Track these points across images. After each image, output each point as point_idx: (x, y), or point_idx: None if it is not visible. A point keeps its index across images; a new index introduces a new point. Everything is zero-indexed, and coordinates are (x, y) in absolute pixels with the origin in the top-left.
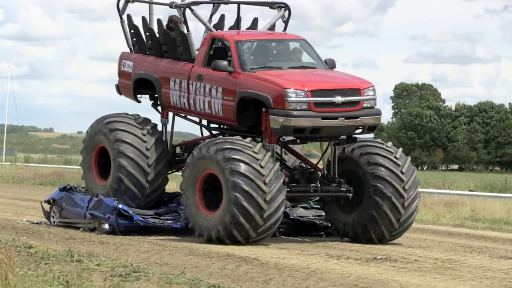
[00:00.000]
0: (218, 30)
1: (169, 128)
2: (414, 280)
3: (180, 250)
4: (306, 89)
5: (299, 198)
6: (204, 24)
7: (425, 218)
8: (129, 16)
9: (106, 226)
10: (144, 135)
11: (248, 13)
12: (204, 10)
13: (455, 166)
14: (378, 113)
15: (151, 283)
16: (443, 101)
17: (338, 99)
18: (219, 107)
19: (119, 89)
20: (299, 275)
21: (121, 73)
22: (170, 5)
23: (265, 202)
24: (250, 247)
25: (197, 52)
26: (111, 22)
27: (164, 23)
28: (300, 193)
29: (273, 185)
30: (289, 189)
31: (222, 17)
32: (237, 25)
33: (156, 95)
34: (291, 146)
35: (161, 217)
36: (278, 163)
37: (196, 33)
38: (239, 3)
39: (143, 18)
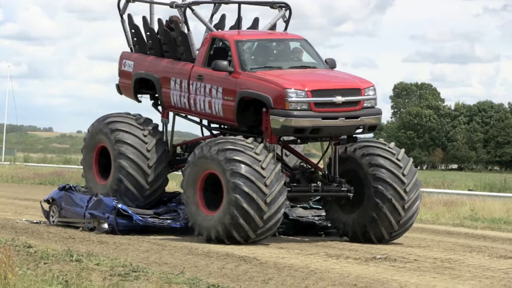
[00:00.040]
0: (219, 30)
1: (169, 128)
2: (414, 279)
3: (180, 250)
4: (306, 89)
5: (300, 197)
6: (205, 24)
7: (424, 217)
8: (129, 16)
9: (106, 225)
10: (145, 136)
11: (249, 12)
12: (204, 10)
13: (455, 166)
14: (379, 112)
15: (150, 282)
16: (443, 100)
17: (339, 99)
18: (219, 107)
19: (120, 89)
20: (298, 274)
21: (122, 73)
22: (171, 5)
23: (266, 204)
24: (250, 247)
25: (197, 52)
26: (110, 21)
27: (165, 23)
28: (301, 192)
29: (274, 187)
30: (290, 188)
31: (223, 17)
32: (238, 25)
33: (157, 95)
34: (291, 146)
35: (160, 217)
36: (279, 165)
37: (197, 33)
38: (239, 3)
39: (144, 18)
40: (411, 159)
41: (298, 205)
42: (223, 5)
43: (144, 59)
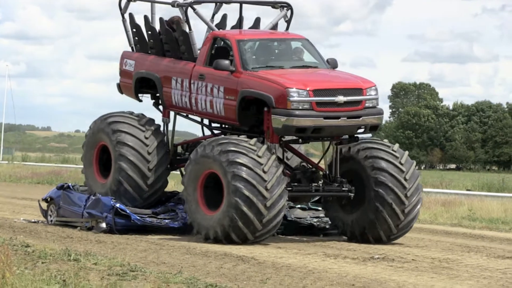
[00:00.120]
0: (220, 30)
1: (170, 127)
2: (411, 279)
3: (178, 249)
4: (308, 89)
5: (301, 197)
6: (206, 23)
7: (422, 217)
8: (131, 15)
9: (104, 225)
10: (146, 138)
11: (251, 11)
12: (206, 10)
13: (453, 166)
14: (380, 112)
15: (148, 282)
16: (441, 100)
17: (340, 98)
18: (220, 106)
19: (121, 88)
20: (296, 274)
21: (123, 72)
22: (172, 4)
23: (265, 207)
24: (248, 247)
25: (198, 51)
26: (109, 21)
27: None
28: (301, 192)
29: (275, 191)
30: (290, 188)
31: (224, 17)
32: (239, 24)
33: (158, 94)
34: (293, 145)
35: (158, 216)
36: (281, 168)
37: (197, 32)
38: (241, 3)
39: (145, 17)
40: (414, 162)
41: (297, 206)
42: (224, 5)
43: (145, 59)
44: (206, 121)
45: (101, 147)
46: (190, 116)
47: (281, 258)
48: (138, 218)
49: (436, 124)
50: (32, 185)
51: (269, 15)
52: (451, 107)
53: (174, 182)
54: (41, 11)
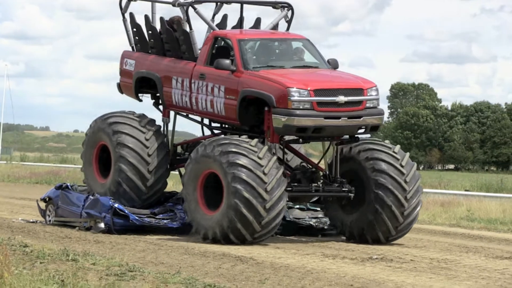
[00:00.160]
0: (221, 29)
1: (170, 127)
2: (410, 280)
3: (176, 250)
4: (309, 89)
5: (301, 197)
6: (207, 22)
7: (421, 218)
8: (131, 15)
9: (102, 225)
10: (147, 140)
11: (251, 12)
12: (206, 10)
13: (451, 166)
14: (381, 113)
15: (146, 282)
16: (439, 100)
17: (341, 98)
18: (221, 106)
19: (121, 88)
20: (294, 274)
21: (123, 72)
22: (173, 4)
23: (265, 210)
24: (246, 247)
25: (199, 51)
26: (108, 21)
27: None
28: (301, 192)
29: (274, 193)
30: (290, 188)
31: (225, 17)
32: (240, 24)
33: (158, 94)
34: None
35: (157, 217)
36: (282, 169)
37: (198, 32)
38: (242, 3)
39: (146, 17)
40: (415, 164)
41: (296, 207)
42: (225, 6)
43: (146, 58)
44: (206, 121)
45: (101, 147)
46: (190, 115)
47: (280, 258)
48: (137, 218)
49: (434, 125)
50: (31, 185)
51: (269, 16)
52: (449, 108)
53: (173, 183)
54: (40, 11)
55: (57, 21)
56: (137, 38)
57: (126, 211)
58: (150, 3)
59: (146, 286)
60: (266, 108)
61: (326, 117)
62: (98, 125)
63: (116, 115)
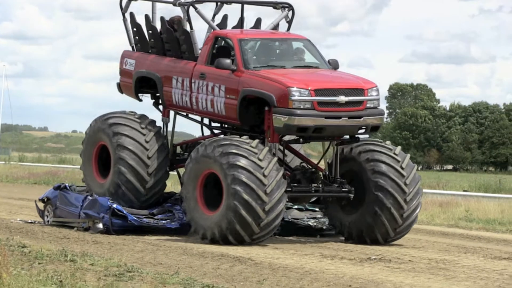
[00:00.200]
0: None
1: (170, 127)
2: (408, 280)
3: (174, 250)
4: (309, 88)
5: (300, 198)
6: (208, 22)
7: (419, 218)
8: (131, 14)
9: (100, 225)
10: (147, 142)
11: (252, 12)
12: (206, 10)
13: (450, 166)
14: (381, 113)
15: (145, 283)
16: (438, 101)
17: (342, 98)
18: (221, 105)
19: (121, 88)
20: (293, 275)
21: (123, 72)
22: (174, 3)
23: (264, 211)
24: (245, 247)
25: (200, 50)
26: (106, 21)
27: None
28: (301, 193)
29: (274, 195)
30: (290, 189)
31: (225, 17)
32: (240, 25)
33: (158, 94)
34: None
35: (155, 217)
36: (282, 171)
37: (198, 32)
38: (242, 3)
39: (146, 16)
40: (415, 166)
41: (294, 207)
42: (225, 6)
43: (146, 58)
44: (206, 121)
45: (100, 147)
46: (190, 115)
47: (278, 259)
48: (135, 218)
49: (433, 125)
50: (29, 185)
51: (270, 16)
52: (448, 108)
53: (172, 183)
54: (39, 11)
55: (56, 21)
56: (137, 37)
57: (125, 212)
58: (150, 2)
59: (145, 287)
60: (266, 108)
61: (326, 117)
62: (99, 125)
63: (116, 115)
